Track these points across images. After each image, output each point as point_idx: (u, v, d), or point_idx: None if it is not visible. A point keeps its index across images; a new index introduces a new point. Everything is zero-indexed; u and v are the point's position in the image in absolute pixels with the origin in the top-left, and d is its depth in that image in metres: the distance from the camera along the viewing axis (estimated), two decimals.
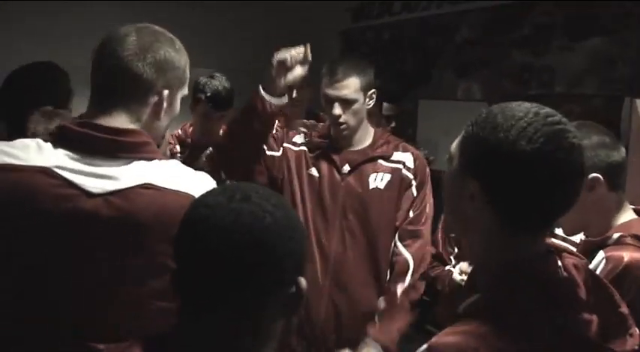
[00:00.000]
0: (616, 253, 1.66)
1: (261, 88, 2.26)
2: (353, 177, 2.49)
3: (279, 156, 2.53)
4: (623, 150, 1.77)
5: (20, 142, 1.35)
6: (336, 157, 2.52)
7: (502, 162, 1.05)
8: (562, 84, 4.47)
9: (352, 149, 2.53)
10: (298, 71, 2.23)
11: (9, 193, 1.29)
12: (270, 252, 1.01)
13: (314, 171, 2.50)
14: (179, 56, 1.46)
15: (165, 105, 1.44)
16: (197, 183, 1.41)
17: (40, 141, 1.35)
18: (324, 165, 2.51)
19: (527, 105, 1.11)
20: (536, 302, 1.06)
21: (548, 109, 1.10)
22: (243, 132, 2.33)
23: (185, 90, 1.52)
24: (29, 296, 1.32)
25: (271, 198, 1.07)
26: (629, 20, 4.02)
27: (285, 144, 2.54)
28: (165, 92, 1.43)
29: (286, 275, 1.05)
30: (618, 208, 1.79)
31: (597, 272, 1.62)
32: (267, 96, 2.24)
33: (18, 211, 1.30)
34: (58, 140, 1.36)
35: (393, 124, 4.10)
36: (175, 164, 1.45)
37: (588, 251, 1.72)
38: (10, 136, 2.03)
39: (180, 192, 1.37)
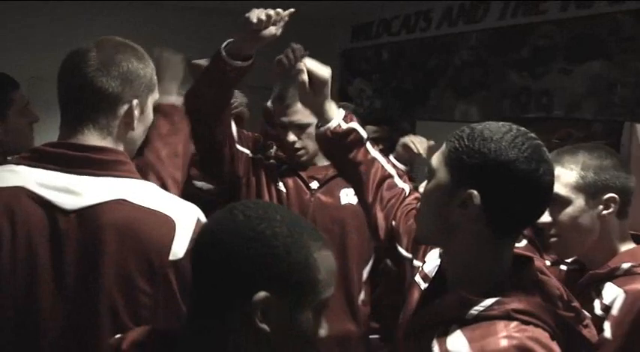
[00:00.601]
0: (634, 286, 1.60)
1: (223, 50, 2.07)
2: (322, 192, 2.40)
3: (249, 156, 2.42)
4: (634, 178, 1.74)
5: None
6: (303, 173, 2.44)
7: (497, 169, 1.16)
8: (561, 107, 4.45)
9: (319, 165, 2.45)
10: (271, 30, 2.03)
11: None
12: (226, 254, 1.07)
13: (281, 187, 2.42)
14: (143, 64, 1.45)
15: (136, 114, 1.43)
16: (173, 204, 1.40)
17: (12, 166, 1.35)
18: (291, 181, 2.41)
19: (502, 123, 1.24)
20: (543, 302, 1.20)
21: (522, 127, 1.24)
22: (203, 96, 2.15)
23: (156, 95, 1.51)
24: (15, 305, 1.32)
25: (258, 209, 1.12)
26: (629, 43, 4.00)
27: (259, 155, 2.47)
28: (135, 101, 1.42)
29: (245, 283, 1.07)
30: (622, 237, 1.74)
31: (617, 307, 1.58)
32: (230, 60, 2.06)
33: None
34: (33, 160, 1.36)
35: (381, 147, 3.99)
36: (152, 185, 1.45)
37: (592, 282, 1.67)
38: None
39: (155, 210, 1.35)
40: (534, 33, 4.64)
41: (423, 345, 1.24)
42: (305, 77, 1.74)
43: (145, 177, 1.60)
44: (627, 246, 1.73)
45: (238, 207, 1.13)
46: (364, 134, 1.82)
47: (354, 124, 1.80)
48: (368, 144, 1.81)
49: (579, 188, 1.69)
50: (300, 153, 2.37)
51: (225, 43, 2.07)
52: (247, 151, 2.42)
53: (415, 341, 1.30)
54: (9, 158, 1.43)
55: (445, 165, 1.25)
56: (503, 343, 1.13)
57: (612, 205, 1.69)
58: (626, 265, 1.64)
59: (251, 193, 2.41)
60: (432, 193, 1.28)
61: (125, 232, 1.31)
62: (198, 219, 1.40)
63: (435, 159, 1.29)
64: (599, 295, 1.64)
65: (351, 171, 1.81)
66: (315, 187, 2.42)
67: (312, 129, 2.30)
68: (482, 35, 5.12)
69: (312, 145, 2.35)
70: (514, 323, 1.15)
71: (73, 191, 1.32)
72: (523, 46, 4.73)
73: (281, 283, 1.08)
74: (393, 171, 1.81)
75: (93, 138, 1.39)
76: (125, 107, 1.41)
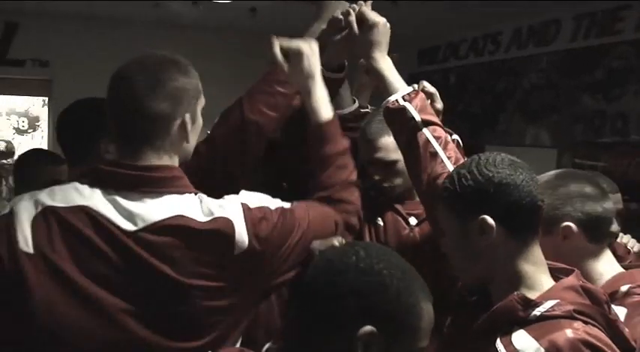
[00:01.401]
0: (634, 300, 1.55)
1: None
2: (422, 230, 2.27)
3: None
4: (609, 202, 1.65)
5: (59, 188, 1.38)
6: (399, 207, 2.31)
7: (488, 187, 1.34)
8: (637, 131, 4.27)
9: (416, 199, 2.30)
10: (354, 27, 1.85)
11: (52, 234, 1.31)
12: (341, 284, 1.10)
13: (379, 221, 2.29)
14: (188, 78, 1.43)
15: (189, 127, 1.43)
16: (224, 205, 1.40)
17: (77, 184, 1.37)
18: (389, 215, 2.28)
19: (466, 160, 1.44)
20: (593, 305, 1.32)
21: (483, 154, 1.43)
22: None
23: (202, 100, 1.49)
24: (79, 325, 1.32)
25: (378, 249, 1.19)
26: None
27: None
28: (187, 116, 1.41)
29: (354, 316, 1.09)
30: (604, 262, 1.66)
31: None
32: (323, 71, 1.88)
33: (62, 252, 1.31)
34: (93, 180, 1.38)
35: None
36: (205, 197, 1.42)
37: None
38: (73, 162, 2.08)
39: (212, 218, 1.36)
40: (609, 54, 4.50)
41: (484, 348, 1.32)
42: (352, 18, 1.79)
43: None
44: (613, 270, 1.65)
45: (360, 244, 1.22)
46: (417, 117, 1.73)
47: (408, 105, 1.75)
48: (429, 135, 1.73)
49: None
50: (388, 189, 2.24)
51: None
52: None
53: (474, 345, 1.38)
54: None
55: (449, 215, 1.42)
56: (570, 335, 1.24)
57: (569, 235, 1.60)
58: (624, 287, 1.58)
59: None
60: (453, 242, 1.44)
61: (182, 246, 1.32)
62: (242, 204, 1.41)
63: (440, 217, 1.46)
64: None
65: (408, 155, 1.79)
66: (414, 223, 2.29)
67: (399, 166, 2.17)
68: (553, 57, 5.00)
69: (401, 180, 2.16)
70: (577, 322, 1.27)
71: (131, 211, 1.33)
72: (597, 67, 4.59)
73: (387, 322, 1.10)
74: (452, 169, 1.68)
75: (150, 159, 1.40)
76: (178, 124, 1.41)
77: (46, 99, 6.59)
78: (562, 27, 4.88)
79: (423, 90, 1.86)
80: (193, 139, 1.47)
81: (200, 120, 1.48)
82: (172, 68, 1.41)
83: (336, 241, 1.46)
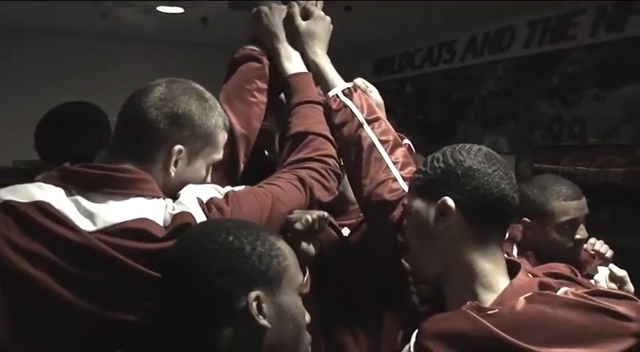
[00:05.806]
0: None
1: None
2: (355, 238, 2.19)
3: None
4: None
5: (21, 186, 1.33)
6: (331, 219, 2.24)
7: (455, 169, 1.30)
8: (593, 135, 4.29)
9: (350, 210, 2.27)
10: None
11: (9, 228, 1.25)
12: (200, 271, 1.13)
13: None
14: (205, 115, 1.40)
15: (179, 162, 1.38)
16: (189, 201, 1.34)
17: (41, 183, 1.33)
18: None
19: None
20: None
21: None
22: None
23: (216, 156, 1.45)
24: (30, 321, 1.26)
25: (212, 225, 1.21)
26: None
27: None
28: (177, 148, 1.36)
29: (230, 294, 1.11)
30: None
31: None
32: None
33: (18, 246, 1.24)
34: (57, 180, 1.33)
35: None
36: (171, 202, 1.36)
37: None
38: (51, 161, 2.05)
39: (175, 214, 1.29)
40: (564, 59, 4.52)
41: None
42: (295, 10, 1.84)
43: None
44: None
45: (197, 228, 1.22)
46: (359, 115, 1.70)
47: (349, 101, 1.72)
48: (374, 138, 1.69)
49: None
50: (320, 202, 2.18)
51: None
52: None
53: None
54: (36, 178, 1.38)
55: (415, 197, 1.36)
56: None
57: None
58: None
59: None
60: (415, 226, 1.36)
61: (147, 248, 1.24)
62: (197, 198, 1.35)
63: (406, 200, 1.40)
64: None
65: (348, 154, 1.72)
66: (346, 234, 2.22)
67: None
68: (509, 64, 5.01)
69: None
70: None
71: (92, 212, 1.27)
72: (552, 73, 4.60)
73: (260, 278, 1.14)
74: (398, 175, 1.67)
75: (121, 163, 1.35)
76: (167, 149, 1.36)
77: None
78: (517, 33, 4.88)
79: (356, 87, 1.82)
80: (177, 180, 1.39)
81: (200, 172, 1.44)
82: (197, 99, 1.41)
83: (311, 215, 1.46)
